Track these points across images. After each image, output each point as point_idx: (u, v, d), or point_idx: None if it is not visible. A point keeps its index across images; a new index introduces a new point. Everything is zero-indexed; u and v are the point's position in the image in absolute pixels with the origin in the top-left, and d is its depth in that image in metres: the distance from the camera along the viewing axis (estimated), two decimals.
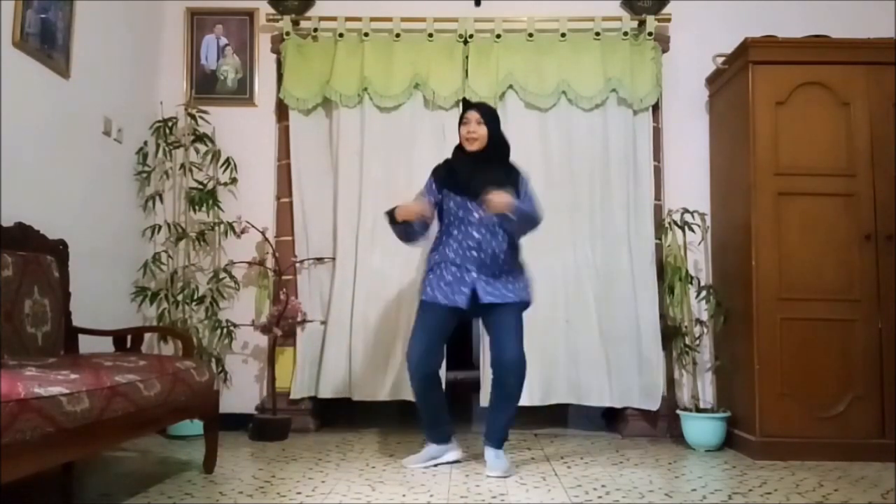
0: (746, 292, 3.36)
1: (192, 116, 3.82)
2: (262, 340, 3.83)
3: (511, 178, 2.96)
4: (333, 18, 3.87)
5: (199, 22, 4.03)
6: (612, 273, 3.77)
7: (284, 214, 3.93)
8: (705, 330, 3.70)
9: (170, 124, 3.81)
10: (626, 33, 3.84)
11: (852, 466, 3.08)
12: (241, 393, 3.85)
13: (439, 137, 3.80)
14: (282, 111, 3.96)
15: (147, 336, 3.26)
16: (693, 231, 3.69)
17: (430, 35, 3.86)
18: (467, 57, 3.86)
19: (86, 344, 2.92)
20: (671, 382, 3.79)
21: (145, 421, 2.38)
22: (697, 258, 3.87)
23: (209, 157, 3.88)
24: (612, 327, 3.74)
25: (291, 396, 3.76)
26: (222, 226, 3.79)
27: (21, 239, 2.67)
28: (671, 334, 3.73)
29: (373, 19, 3.86)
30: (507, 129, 3.80)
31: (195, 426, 3.35)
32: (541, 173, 3.81)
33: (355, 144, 3.84)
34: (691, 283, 3.65)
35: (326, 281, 3.85)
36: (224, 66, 4.02)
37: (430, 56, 3.85)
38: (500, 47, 3.84)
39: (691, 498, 2.58)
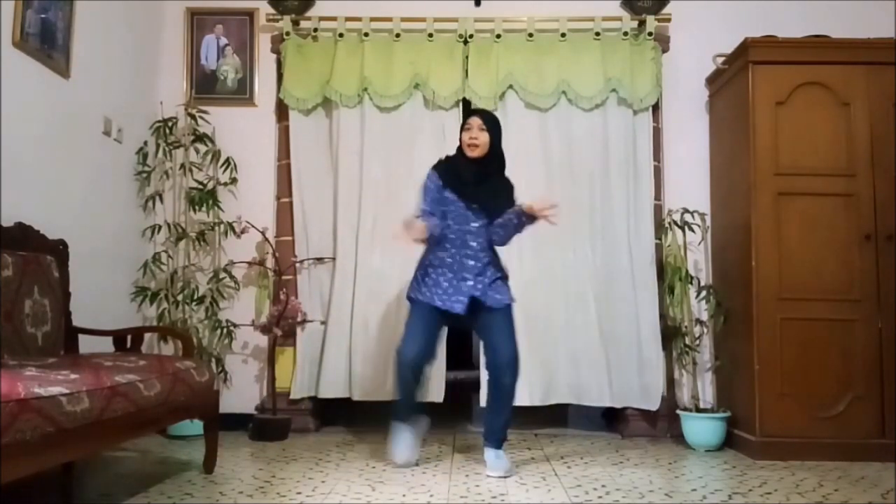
0: (746, 292, 3.36)
1: (192, 116, 3.82)
2: (262, 340, 3.83)
3: (510, 189, 2.98)
4: (333, 18, 3.87)
5: (199, 22, 4.03)
6: (612, 273, 3.77)
7: (284, 214, 3.93)
8: (705, 330, 3.70)
9: (170, 124, 3.81)
10: (626, 33, 3.85)
11: (852, 466, 3.08)
12: (241, 393, 3.85)
13: (439, 137, 3.80)
14: (282, 111, 3.96)
15: (147, 336, 3.26)
16: (693, 231, 3.69)
17: (430, 35, 3.86)
18: (467, 57, 3.86)
19: (86, 344, 2.92)
20: (671, 382, 3.79)
21: (145, 421, 2.38)
22: (697, 258, 3.87)
23: (209, 157, 3.88)
24: (611, 327, 3.74)
25: (291, 396, 3.76)
26: (222, 226, 3.79)
27: (21, 239, 2.67)
28: (671, 334, 3.73)
29: (373, 19, 3.86)
30: (507, 129, 3.81)
31: (195, 426, 3.35)
32: (541, 173, 3.83)
33: (355, 144, 3.84)
34: (691, 283, 3.65)
35: (326, 281, 3.85)
36: (224, 66, 4.02)
37: (430, 56, 3.85)
38: (500, 47, 3.85)
39: (691, 498, 2.58)
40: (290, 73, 3.87)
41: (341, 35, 3.86)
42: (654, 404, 3.69)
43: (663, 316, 3.77)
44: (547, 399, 3.72)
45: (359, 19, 3.85)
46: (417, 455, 3.04)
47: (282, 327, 3.63)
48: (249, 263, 3.86)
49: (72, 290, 2.94)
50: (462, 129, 3.01)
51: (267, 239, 3.84)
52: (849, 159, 3.35)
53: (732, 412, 3.49)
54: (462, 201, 2.94)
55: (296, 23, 3.91)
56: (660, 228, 3.78)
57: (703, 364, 3.76)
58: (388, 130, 3.84)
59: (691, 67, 3.92)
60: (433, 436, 3.69)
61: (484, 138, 2.93)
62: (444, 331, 3.09)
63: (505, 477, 2.85)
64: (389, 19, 3.85)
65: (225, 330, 3.74)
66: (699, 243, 3.85)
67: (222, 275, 3.79)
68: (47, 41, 2.97)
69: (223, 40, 4.03)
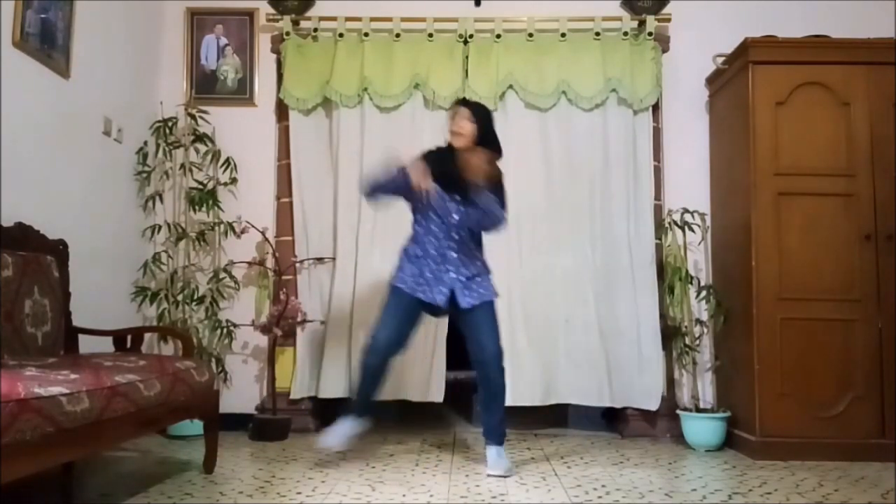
0: (746, 292, 3.36)
1: (192, 116, 3.82)
2: (262, 340, 3.83)
3: (495, 181, 2.94)
4: (333, 18, 3.87)
5: (199, 22, 4.03)
6: (612, 273, 3.77)
7: (284, 214, 3.94)
8: (705, 330, 3.70)
9: (170, 124, 3.81)
10: (626, 33, 3.84)
11: (852, 466, 3.08)
12: (241, 393, 3.85)
13: (439, 137, 3.79)
14: (282, 111, 3.96)
15: (147, 336, 3.27)
16: (693, 231, 3.69)
17: (430, 35, 3.86)
18: (467, 57, 3.86)
19: (86, 344, 2.92)
20: (671, 382, 3.79)
21: (145, 421, 2.38)
22: (697, 258, 3.87)
23: (209, 157, 3.88)
24: (611, 327, 3.74)
25: (291, 396, 3.76)
26: (222, 226, 3.79)
27: (21, 239, 2.67)
28: (671, 334, 3.73)
29: (373, 19, 3.86)
30: (507, 129, 3.83)
31: (195, 426, 3.35)
32: (541, 173, 3.83)
33: (355, 144, 3.83)
34: (691, 283, 3.65)
35: (326, 281, 3.85)
36: (224, 66, 4.02)
37: (430, 56, 3.85)
38: (500, 47, 3.85)
39: (691, 498, 2.58)
40: (290, 73, 3.87)
41: (341, 35, 3.86)
42: (654, 404, 3.69)
43: (663, 316, 3.77)
44: (547, 399, 3.72)
45: (359, 19, 3.85)
46: (345, 448, 3.02)
47: (282, 327, 3.63)
48: (249, 263, 3.86)
49: (72, 290, 2.94)
50: (450, 118, 3.00)
51: (267, 239, 3.84)
52: (849, 159, 3.35)
53: (732, 412, 3.49)
54: (445, 193, 2.92)
55: (296, 23, 3.91)
56: (660, 228, 3.78)
57: (703, 364, 3.76)
58: (388, 130, 3.84)
59: (691, 67, 3.92)
60: (433, 436, 3.71)
61: (468, 128, 2.91)
62: (420, 322, 3.06)
63: (505, 476, 2.85)
64: (389, 19, 3.85)
65: (225, 330, 3.74)
66: (699, 243, 3.85)
67: (222, 275, 3.79)
68: (47, 41, 2.97)
69: (223, 40, 4.03)
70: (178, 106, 3.90)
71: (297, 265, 3.85)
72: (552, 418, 4.05)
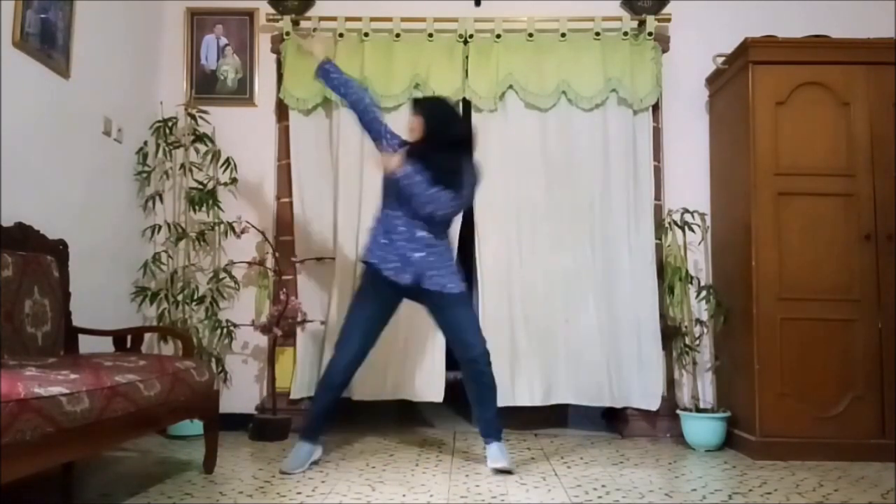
0: (746, 292, 3.36)
1: (192, 116, 3.82)
2: (262, 340, 3.83)
3: (454, 164, 2.93)
4: (333, 18, 3.87)
5: (199, 22, 4.03)
6: (612, 273, 3.77)
7: (284, 214, 3.94)
8: (705, 330, 3.69)
9: (170, 124, 3.81)
10: (626, 33, 3.85)
11: (852, 466, 3.08)
12: (241, 393, 3.85)
13: None
14: (282, 111, 3.96)
15: (147, 336, 3.26)
16: (693, 231, 3.69)
17: (430, 35, 3.86)
18: (467, 57, 3.86)
19: (86, 344, 2.92)
20: (671, 382, 3.79)
21: (145, 421, 2.39)
22: (697, 258, 3.87)
23: (209, 157, 3.88)
24: (612, 327, 3.74)
25: (291, 396, 3.76)
26: (222, 226, 3.79)
27: (21, 239, 2.67)
28: (671, 334, 3.73)
29: (373, 19, 3.86)
30: (507, 129, 3.84)
31: (195, 426, 3.35)
32: (541, 173, 3.83)
33: (355, 144, 3.83)
34: (691, 283, 3.65)
35: (326, 281, 3.85)
36: (224, 66, 4.02)
37: (430, 56, 3.85)
38: (500, 47, 3.85)
39: (691, 498, 2.58)
40: (290, 73, 3.87)
41: (341, 35, 3.86)
42: (654, 404, 3.69)
43: (663, 316, 3.76)
44: (547, 399, 3.72)
45: (359, 19, 3.85)
46: (305, 468, 2.95)
47: (282, 327, 3.63)
48: (249, 263, 3.86)
49: (72, 290, 2.94)
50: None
51: (267, 239, 3.84)
52: (849, 159, 3.35)
53: (732, 412, 3.49)
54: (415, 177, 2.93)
55: (296, 23, 3.91)
56: (660, 228, 3.78)
57: (703, 364, 3.76)
58: None
59: (691, 67, 3.92)
60: (433, 436, 3.71)
61: (415, 123, 2.98)
62: (391, 314, 3.05)
63: (510, 470, 2.87)
64: (389, 19, 3.85)
65: (225, 330, 3.74)
66: (699, 243, 3.85)
67: (222, 275, 3.79)
68: (47, 41, 2.97)
69: (223, 40, 4.03)
70: (178, 106, 3.90)
71: (297, 265, 3.85)
72: (552, 418, 4.05)
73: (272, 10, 3.98)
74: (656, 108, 3.90)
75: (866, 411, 3.24)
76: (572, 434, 3.84)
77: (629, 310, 3.74)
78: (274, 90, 3.97)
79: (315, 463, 3.02)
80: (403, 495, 2.57)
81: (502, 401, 3.51)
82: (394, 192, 2.97)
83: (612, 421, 3.97)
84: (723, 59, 3.73)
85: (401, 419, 4.13)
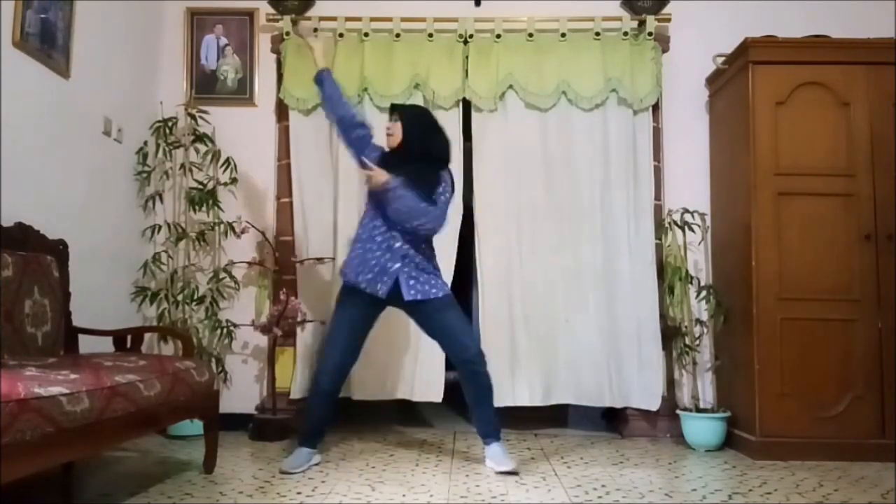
0: (746, 292, 3.36)
1: (192, 116, 3.82)
2: (262, 340, 3.83)
3: (430, 176, 2.93)
4: (333, 18, 3.87)
5: (199, 22, 4.03)
6: (612, 273, 3.77)
7: (284, 214, 3.94)
8: (705, 330, 3.70)
9: (170, 124, 3.81)
10: (626, 33, 3.85)
11: (852, 466, 3.09)
12: (241, 393, 3.85)
13: None
14: (282, 111, 3.96)
15: (147, 336, 3.27)
16: (693, 231, 3.69)
17: (430, 35, 3.86)
18: (467, 57, 3.86)
19: (86, 344, 2.92)
20: (671, 382, 3.79)
21: (145, 421, 2.38)
22: (697, 258, 3.87)
23: (209, 157, 3.88)
24: (612, 327, 3.74)
25: (291, 396, 3.76)
26: (222, 226, 3.79)
27: (21, 239, 2.67)
28: (671, 334, 3.73)
29: (373, 19, 3.86)
30: (507, 129, 3.84)
31: (195, 426, 3.35)
32: (541, 173, 3.83)
33: None
34: (691, 283, 3.65)
35: (326, 281, 3.85)
36: (224, 66, 4.02)
37: (430, 56, 3.85)
38: (500, 47, 3.85)
39: (691, 498, 2.58)
40: (290, 73, 3.87)
41: (341, 35, 3.86)
42: (654, 404, 3.69)
43: (663, 316, 3.76)
44: (547, 399, 3.72)
45: (359, 19, 3.85)
46: (305, 469, 2.95)
47: (282, 327, 3.63)
48: (249, 263, 3.86)
49: (72, 290, 2.94)
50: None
51: (267, 239, 3.84)
52: (849, 159, 3.35)
53: (732, 412, 3.49)
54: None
55: (296, 23, 3.91)
56: (660, 228, 3.78)
57: (703, 364, 3.76)
58: None
59: (691, 67, 3.92)
60: (433, 436, 3.71)
61: (395, 129, 2.99)
62: (372, 323, 3.05)
63: (514, 472, 2.86)
64: (389, 19, 3.85)
65: (225, 330, 3.74)
66: (699, 243, 3.85)
67: (222, 275, 3.79)
68: (47, 41, 2.97)
69: (223, 40, 4.03)
70: (178, 106, 3.90)
71: (297, 265, 3.85)
72: (552, 418, 4.05)
73: (272, 10, 3.98)
74: (656, 108, 3.90)
75: (866, 411, 3.24)
76: (572, 434, 3.84)
77: (629, 310, 3.74)
78: (274, 90, 3.97)
79: (315, 464, 3.02)
80: (403, 495, 2.57)
81: (502, 401, 3.54)
82: (374, 202, 2.97)
83: (612, 421, 3.97)
84: (723, 59, 3.73)
85: (401, 419, 4.12)
